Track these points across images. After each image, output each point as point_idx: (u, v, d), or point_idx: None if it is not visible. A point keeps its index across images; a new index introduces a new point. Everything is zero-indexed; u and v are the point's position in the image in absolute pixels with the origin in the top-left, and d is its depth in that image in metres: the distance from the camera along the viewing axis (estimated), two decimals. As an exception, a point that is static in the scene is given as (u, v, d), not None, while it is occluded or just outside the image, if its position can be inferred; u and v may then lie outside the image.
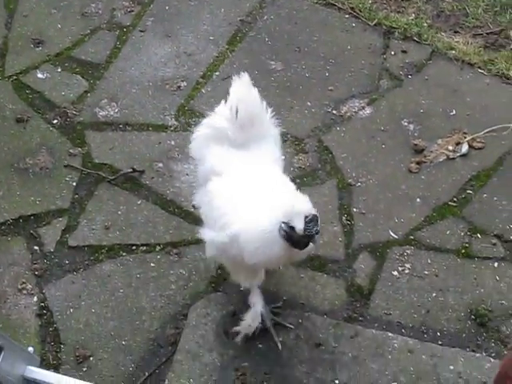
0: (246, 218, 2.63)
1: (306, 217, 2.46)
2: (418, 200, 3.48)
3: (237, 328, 2.92)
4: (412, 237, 3.35)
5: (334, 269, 3.24)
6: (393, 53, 4.08)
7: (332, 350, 2.95)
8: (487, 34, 4.20)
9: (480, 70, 4.00)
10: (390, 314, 3.11)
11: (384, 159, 3.62)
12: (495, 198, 3.47)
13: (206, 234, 2.84)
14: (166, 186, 3.50)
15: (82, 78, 3.94)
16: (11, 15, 4.22)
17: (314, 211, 2.50)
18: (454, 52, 4.06)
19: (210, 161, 2.86)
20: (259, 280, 2.91)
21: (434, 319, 3.10)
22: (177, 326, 3.06)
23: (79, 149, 3.64)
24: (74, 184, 3.51)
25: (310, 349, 2.95)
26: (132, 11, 4.26)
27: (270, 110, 2.90)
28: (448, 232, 3.36)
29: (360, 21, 4.22)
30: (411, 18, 4.26)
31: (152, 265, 3.24)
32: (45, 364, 2.93)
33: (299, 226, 2.46)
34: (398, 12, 4.30)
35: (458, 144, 3.66)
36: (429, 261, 3.27)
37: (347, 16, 4.25)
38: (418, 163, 3.59)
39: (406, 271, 3.23)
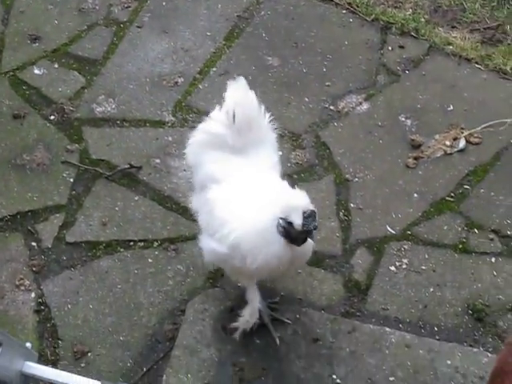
0: (244, 222, 2.62)
1: (304, 212, 2.46)
2: (416, 195, 3.48)
3: (235, 324, 2.92)
4: (409, 232, 3.35)
5: (331, 264, 3.24)
6: (390, 48, 4.08)
7: (329, 345, 2.95)
8: (484, 29, 4.20)
9: (477, 66, 4.00)
10: (388, 309, 3.11)
11: (381, 155, 3.62)
12: (492, 194, 3.48)
13: (205, 242, 2.81)
14: (163, 181, 3.50)
15: (79, 73, 3.94)
16: (8, 11, 4.21)
17: (311, 207, 2.49)
18: (451, 47, 4.06)
19: (208, 168, 2.80)
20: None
21: (432, 314, 3.10)
22: (174, 321, 3.07)
23: (76, 145, 3.64)
24: (72, 180, 3.51)
25: (308, 344, 2.96)
26: (129, 7, 4.26)
27: (268, 114, 2.84)
28: (445, 227, 3.37)
29: (357, 16, 4.22)
30: (408, 13, 4.26)
31: (150, 261, 3.24)
32: (43, 360, 2.93)
33: (297, 221, 2.45)
34: (396, 7, 4.30)
35: (455, 139, 3.67)
36: (426, 256, 3.27)
37: (344, 11, 4.25)
38: (415, 158, 3.60)
39: (404, 266, 3.24)
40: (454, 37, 4.13)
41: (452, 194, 3.48)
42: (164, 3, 4.28)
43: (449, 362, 2.92)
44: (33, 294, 3.14)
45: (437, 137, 3.68)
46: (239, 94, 2.76)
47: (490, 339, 3.04)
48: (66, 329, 3.05)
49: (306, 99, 3.84)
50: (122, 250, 3.28)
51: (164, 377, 2.89)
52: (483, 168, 3.58)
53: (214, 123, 2.82)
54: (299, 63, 4.00)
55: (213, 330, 2.99)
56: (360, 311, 3.11)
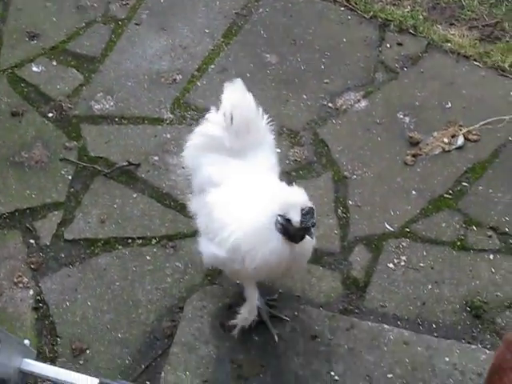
0: (243, 223, 2.61)
1: (303, 209, 2.45)
2: (414, 192, 3.48)
3: (233, 321, 2.92)
4: (408, 229, 3.35)
5: (329, 261, 3.24)
6: (388, 45, 4.08)
7: (328, 343, 2.96)
8: (483, 26, 4.20)
9: (476, 63, 4.00)
10: (386, 306, 3.12)
11: (379, 152, 3.62)
12: (491, 191, 3.48)
13: (204, 246, 2.81)
14: (161, 179, 3.50)
15: (77, 71, 3.93)
16: (6, 8, 4.20)
17: (310, 204, 2.49)
18: (449, 44, 4.06)
19: (207, 171, 2.78)
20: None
21: (430, 311, 3.11)
22: (173, 318, 3.07)
23: (75, 142, 3.64)
24: (70, 177, 3.50)
25: (306, 341, 2.96)
26: (127, 4, 4.25)
27: (265, 115, 2.83)
28: (443, 224, 3.37)
29: (355, 13, 4.22)
30: (407, 10, 4.26)
31: (148, 258, 3.24)
32: (41, 357, 2.93)
33: (295, 218, 2.45)
34: (394, 4, 4.29)
35: (453, 136, 3.67)
36: (424, 253, 3.27)
37: (343, 9, 4.25)
38: (413, 156, 3.60)
39: (402, 263, 3.24)
40: (453, 34, 4.13)
41: (450, 191, 3.49)
42: (162, 0, 4.28)
43: (447, 359, 2.92)
44: (31, 292, 3.14)
45: (435, 134, 3.68)
46: (237, 96, 2.73)
47: (488, 336, 3.04)
48: (65, 326, 3.05)
49: (305, 96, 3.84)
50: (120, 247, 3.28)
51: (162, 374, 2.89)
52: (481, 165, 3.58)
53: (212, 125, 2.80)
54: (297, 60, 4.00)
55: (211, 327, 2.99)
56: (358, 308, 3.11)
